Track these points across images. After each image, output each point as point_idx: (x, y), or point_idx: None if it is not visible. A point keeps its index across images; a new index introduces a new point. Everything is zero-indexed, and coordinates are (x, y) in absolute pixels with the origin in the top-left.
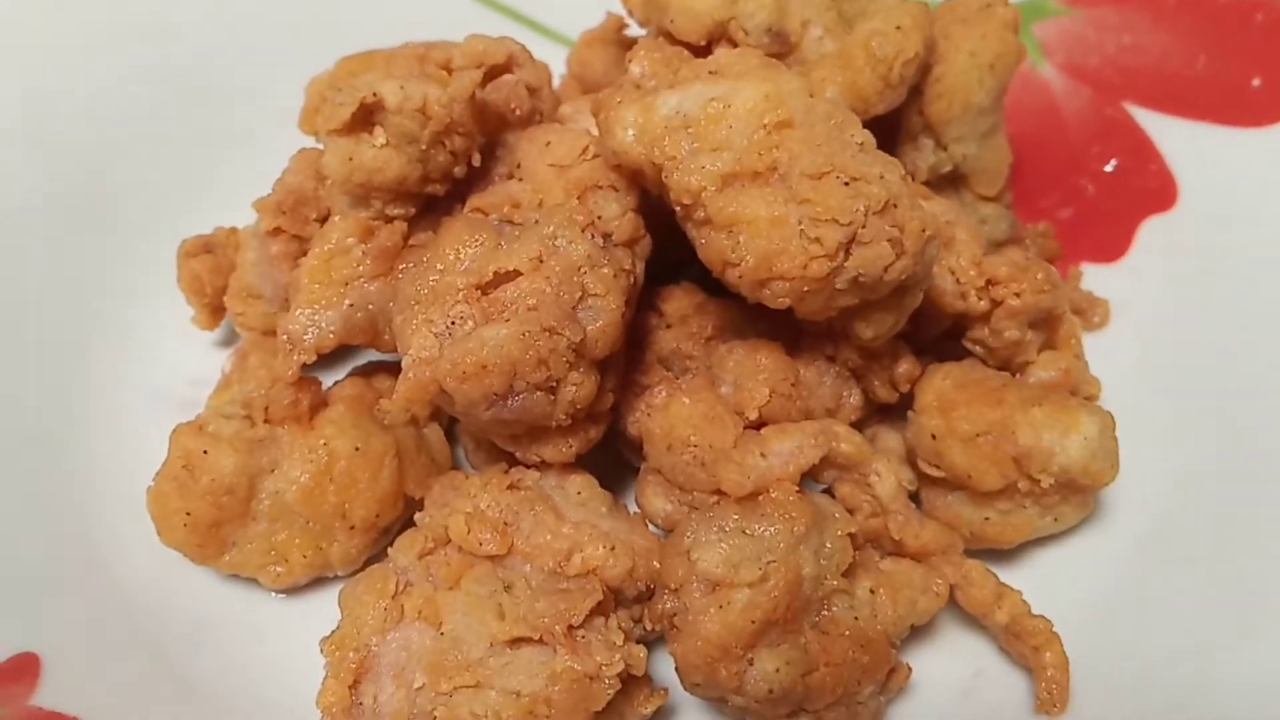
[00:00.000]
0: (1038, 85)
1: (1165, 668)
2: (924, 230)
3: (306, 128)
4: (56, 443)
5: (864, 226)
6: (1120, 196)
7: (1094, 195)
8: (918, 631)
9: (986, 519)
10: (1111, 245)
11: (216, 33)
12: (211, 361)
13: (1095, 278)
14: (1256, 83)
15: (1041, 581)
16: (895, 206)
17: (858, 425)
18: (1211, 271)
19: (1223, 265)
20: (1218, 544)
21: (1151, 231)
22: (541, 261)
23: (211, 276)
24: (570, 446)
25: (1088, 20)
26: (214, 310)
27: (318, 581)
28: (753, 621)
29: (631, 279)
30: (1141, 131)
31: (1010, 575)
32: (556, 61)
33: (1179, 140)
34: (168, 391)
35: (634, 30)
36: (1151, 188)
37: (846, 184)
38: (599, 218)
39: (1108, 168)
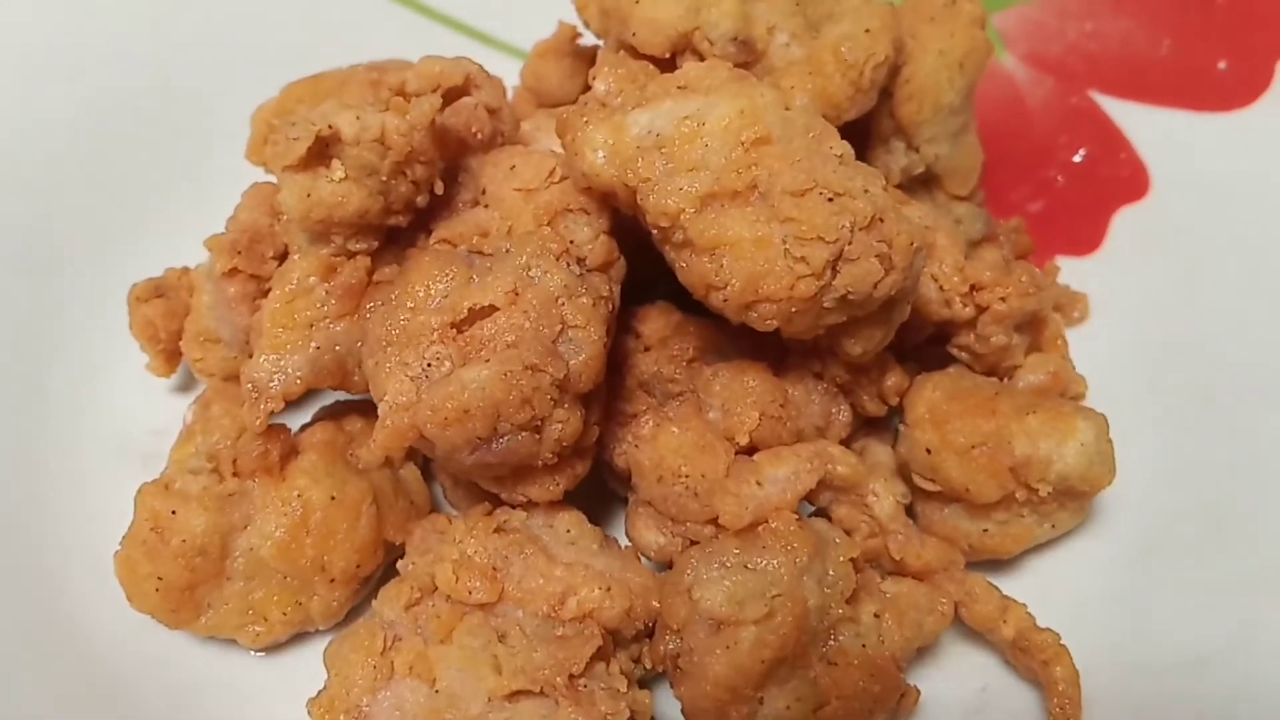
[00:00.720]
0: (1001, 76)
1: (1175, 673)
2: (912, 243)
3: (254, 158)
4: (15, 504)
5: (850, 243)
6: (1091, 187)
7: (1064, 186)
8: (922, 650)
9: (985, 530)
10: (1086, 237)
11: (156, 64)
12: (171, 409)
13: (1072, 271)
14: (1222, 65)
15: (1041, 589)
16: (881, 221)
17: (846, 440)
18: (1189, 259)
19: (1200, 253)
20: (1215, 537)
21: (1126, 222)
22: (517, 294)
23: (165, 321)
24: (557, 484)
25: (1048, 7)
26: (169, 356)
27: (299, 637)
28: (762, 661)
29: (610, 305)
30: (1108, 120)
31: (1008, 584)
32: (507, 74)
33: (1147, 127)
34: (128, 443)
35: (588, 39)
36: (1123, 177)
37: (830, 200)
38: (572, 243)
39: (1076, 158)
